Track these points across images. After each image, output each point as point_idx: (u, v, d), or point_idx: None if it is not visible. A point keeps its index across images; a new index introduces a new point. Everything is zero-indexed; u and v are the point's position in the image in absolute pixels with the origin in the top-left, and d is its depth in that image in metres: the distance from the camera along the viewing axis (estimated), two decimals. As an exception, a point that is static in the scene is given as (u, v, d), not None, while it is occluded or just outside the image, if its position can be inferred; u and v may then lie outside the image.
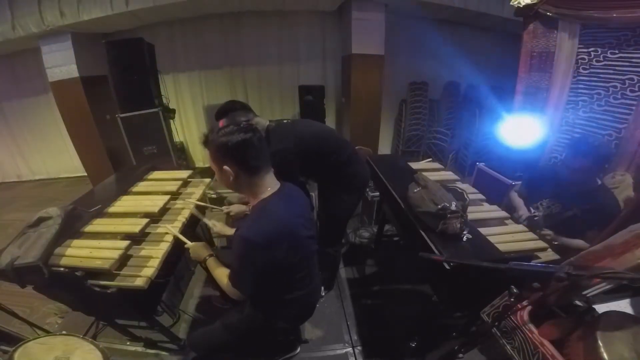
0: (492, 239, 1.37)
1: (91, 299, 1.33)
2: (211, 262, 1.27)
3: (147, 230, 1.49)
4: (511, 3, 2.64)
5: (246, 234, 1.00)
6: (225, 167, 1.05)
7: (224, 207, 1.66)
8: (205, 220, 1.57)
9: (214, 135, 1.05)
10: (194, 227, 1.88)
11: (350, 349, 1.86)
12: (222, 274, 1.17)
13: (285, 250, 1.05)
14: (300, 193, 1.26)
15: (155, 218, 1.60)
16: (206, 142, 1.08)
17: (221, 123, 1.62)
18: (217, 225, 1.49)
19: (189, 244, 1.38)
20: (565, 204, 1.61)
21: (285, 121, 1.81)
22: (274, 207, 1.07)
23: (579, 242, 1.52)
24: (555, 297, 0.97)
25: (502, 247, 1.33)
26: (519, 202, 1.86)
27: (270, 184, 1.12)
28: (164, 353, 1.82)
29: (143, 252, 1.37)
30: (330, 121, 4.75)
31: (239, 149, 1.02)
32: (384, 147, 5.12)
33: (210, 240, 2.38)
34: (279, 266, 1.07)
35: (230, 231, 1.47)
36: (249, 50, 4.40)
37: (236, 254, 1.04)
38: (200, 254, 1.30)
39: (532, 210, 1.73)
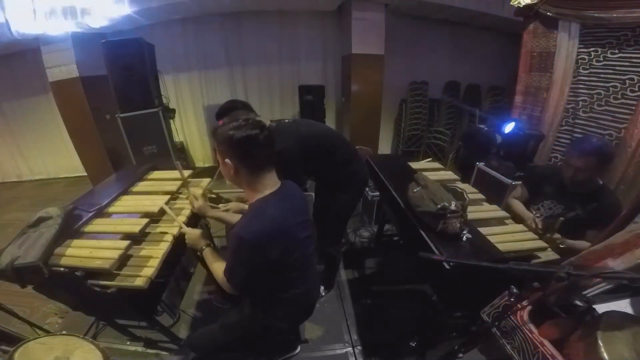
0: (492, 239, 1.37)
1: (91, 299, 1.33)
2: (207, 253, 1.26)
3: (147, 230, 1.49)
4: (511, 3, 2.64)
5: (240, 232, 1.01)
6: (227, 160, 1.06)
7: (221, 206, 1.65)
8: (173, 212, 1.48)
9: (223, 128, 1.06)
10: (195, 225, 1.88)
11: (350, 349, 1.86)
12: (218, 267, 1.17)
13: (279, 251, 1.05)
14: (300, 193, 1.26)
15: (155, 218, 1.60)
16: (215, 133, 1.09)
17: (220, 123, 1.62)
18: (199, 200, 1.43)
19: (186, 229, 1.37)
20: (567, 204, 1.61)
21: (286, 121, 1.81)
22: (270, 207, 1.07)
23: (583, 244, 1.51)
24: (555, 297, 0.97)
25: (502, 247, 1.33)
26: (521, 210, 1.78)
27: (270, 184, 1.12)
28: (164, 353, 1.82)
29: (143, 252, 1.37)
30: (330, 121, 4.75)
31: (242, 145, 1.02)
32: (384, 147, 5.13)
33: (211, 240, 2.38)
34: (273, 265, 1.07)
35: (210, 212, 1.46)
36: (249, 50, 4.40)
37: (231, 250, 1.05)
38: (197, 243, 1.30)
39: (533, 212, 1.72)
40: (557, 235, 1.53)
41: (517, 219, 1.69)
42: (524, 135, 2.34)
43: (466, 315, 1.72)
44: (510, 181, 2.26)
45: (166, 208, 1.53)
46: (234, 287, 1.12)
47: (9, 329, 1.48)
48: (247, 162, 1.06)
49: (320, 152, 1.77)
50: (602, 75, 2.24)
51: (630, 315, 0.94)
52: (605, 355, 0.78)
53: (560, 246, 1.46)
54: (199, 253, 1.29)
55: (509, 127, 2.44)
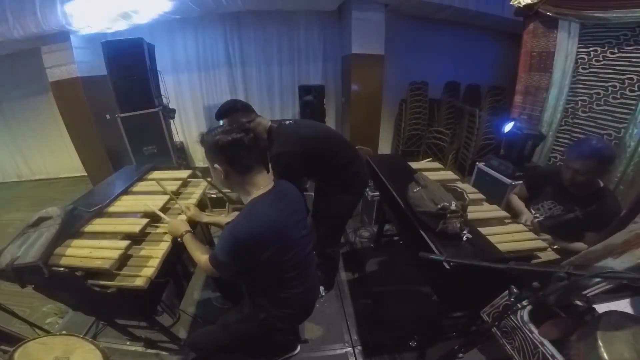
0: (492, 239, 1.37)
1: (91, 299, 1.33)
2: (188, 239, 1.29)
3: (147, 230, 1.48)
4: (511, 3, 2.65)
5: (233, 230, 1.03)
6: (216, 165, 1.09)
7: (222, 215, 1.66)
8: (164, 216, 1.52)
9: (208, 135, 1.10)
10: (194, 226, 1.88)
11: (350, 349, 1.86)
12: (199, 254, 1.21)
13: (271, 250, 1.06)
14: (296, 192, 1.25)
15: (155, 218, 1.60)
16: (202, 140, 1.13)
17: (221, 123, 1.62)
18: (191, 209, 1.50)
19: (167, 219, 1.44)
20: (567, 206, 1.60)
21: (287, 122, 1.80)
22: (264, 206, 1.08)
23: (579, 245, 1.51)
24: (555, 297, 0.97)
25: (502, 247, 1.33)
26: (519, 205, 1.82)
27: (262, 183, 1.13)
28: (164, 353, 1.82)
29: (143, 252, 1.37)
30: (330, 121, 4.75)
31: (229, 148, 1.06)
32: (384, 147, 5.13)
33: (210, 241, 2.38)
34: (265, 264, 1.08)
35: (205, 218, 1.54)
36: (249, 50, 4.40)
37: (222, 244, 1.07)
38: (178, 229, 1.33)
39: (533, 212, 1.72)
40: (546, 236, 1.53)
41: (514, 214, 1.70)
42: (522, 135, 2.33)
43: (466, 315, 1.72)
44: (510, 181, 2.26)
45: (149, 205, 1.57)
46: (222, 276, 1.18)
47: (9, 329, 1.48)
48: (235, 164, 1.08)
49: (321, 154, 1.77)
50: (601, 75, 2.25)
51: (630, 315, 0.94)
52: (605, 355, 0.78)
53: (554, 247, 1.45)
54: (179, 239, 1.33)
55: (507, 127, 2.44)
